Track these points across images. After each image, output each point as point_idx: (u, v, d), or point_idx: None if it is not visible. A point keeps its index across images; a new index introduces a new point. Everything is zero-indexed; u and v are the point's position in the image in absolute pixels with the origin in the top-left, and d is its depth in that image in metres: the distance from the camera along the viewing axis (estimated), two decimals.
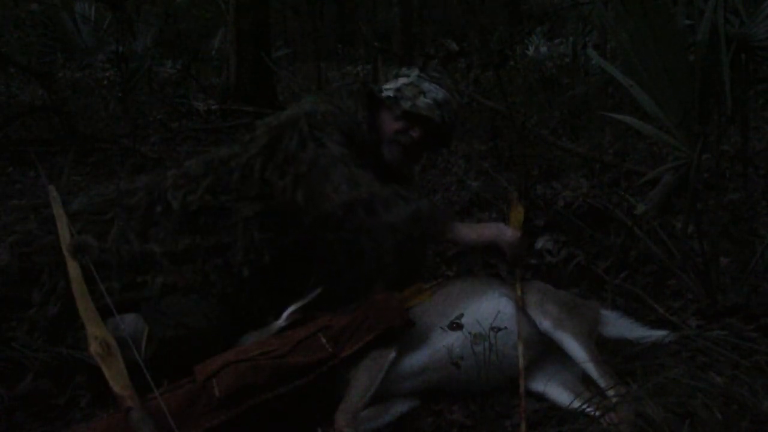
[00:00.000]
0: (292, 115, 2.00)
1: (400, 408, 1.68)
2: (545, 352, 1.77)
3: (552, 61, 6.91)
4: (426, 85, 2.05)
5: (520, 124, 3.46)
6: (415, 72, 2.10)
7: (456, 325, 1.67)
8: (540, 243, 2.76)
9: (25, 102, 6.15)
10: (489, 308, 1.76)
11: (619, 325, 1.87)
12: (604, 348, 1.78)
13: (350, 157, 1.90)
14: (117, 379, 1.57)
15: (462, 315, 1.71)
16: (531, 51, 7.37)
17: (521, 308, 1.77)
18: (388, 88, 2.08)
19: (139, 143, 4.86)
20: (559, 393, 1.68)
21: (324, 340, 1.68)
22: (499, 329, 1.63)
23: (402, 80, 2.08)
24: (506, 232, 1.88)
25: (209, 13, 9.32)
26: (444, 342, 1.71)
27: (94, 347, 1.66)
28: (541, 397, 1.71)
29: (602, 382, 1.57)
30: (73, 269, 1.87)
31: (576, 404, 1.56)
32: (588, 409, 1.50)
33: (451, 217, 1.89)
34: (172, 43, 7.41)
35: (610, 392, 1.52)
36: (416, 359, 1.72)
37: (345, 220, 1.82)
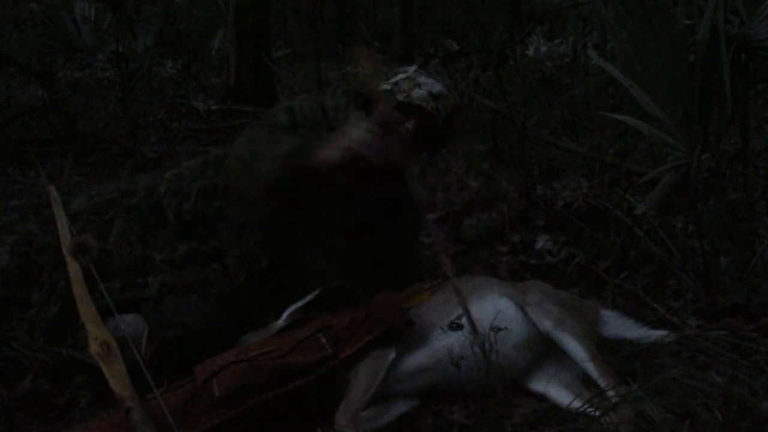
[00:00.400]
0: (271, 109, 2.04)
1: (400, 408, 1.68)
2: (545, 352, 1.77)
3: (552, 61, 6.91)
4: (422, 79, 2.04)
5: (520, 124, 3.45)
6: (413, 68, 2.11)
7: (456, 325, 1.67)
8: (540, 243, 2.76)
9: (25, 102, 6.15)
10: (489, 308, 1.76)
11: (619, 325, 1.87)
12: (604, 348, 1.78)
13: (281, 132, 1.91)
14: (117, 380, 1.57)
15: (462, 315, 1.71)
16: (531, 51, 7.37)
17: (448, 266, 1.52)
18: (386, 83, 2.08)
19: (139, 143, 4.86)
20: (559, 393, 1.67)
21: (324, 340, 1.68)
22: (499, 329, 1.63)
23: (400, 76, 2.08)
24: (356, 127, 1.65)
25: (209, 13, 9.31)
26: (444, 342, 1.71)
27: (94, 348, 1.66)
28: (541, 397, 1.71)
29: (602, 382, 1.57)
30: (73, 269, 1.87)
31: (576, 404, 1.56)
32: (588, 409, 1.50)
33: (324, 139, 1.79)
34: (172, 43, 7.40)
35: (610, 392, 1.52)
36: (416, 359, 1.72)
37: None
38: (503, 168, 3.92)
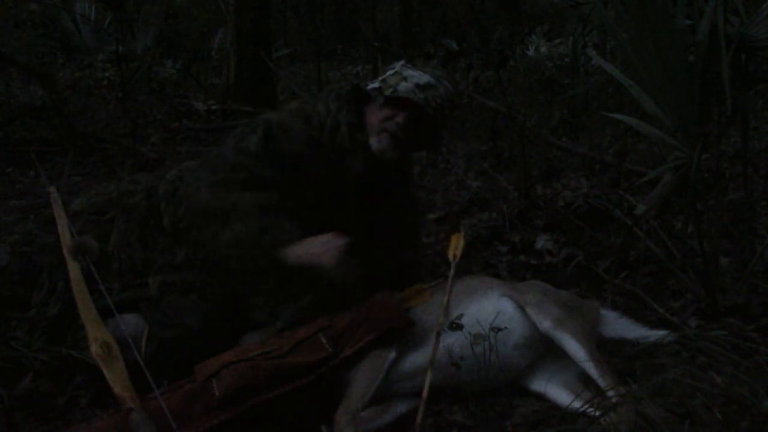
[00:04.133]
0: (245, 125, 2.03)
1: (400, 408, 1.68)
2: (545, 352, 1.77)
3: (552, 61, 6.90)
4: (409, 72, 2.00)
5: (520, 124, 3.46)
6: (400, 63, 2.09)
7: (456, 325, 1.67)
8: (540, 243, 2.76)
9: (25, 102, 6.15)
10: (489, 308, 1.76)
11: (619, 325, 1.88)
12: (604, 348, 1.78)
13: (246, 165, 1.88)
14: (117, 380, 1.57)
15: (462, 315, 1.71)
16: (531, 51, 7.37)
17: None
18: (375, 81, 2.07)
19: (139, 143, 4.86)
20: (559, 393, 1.68)
21: (324, 340, 1.68)
22: (499, 329, 1.63)
23: (388, 72, 2.06)
24: (328, 249, 1.73)
25: (209, 13, 9.32)
26: (444, 342, 1.71)
27: (94, 348, 1.66)
28: (541, 397, 1.71)
29: (602, 382, 1.57)
30: (73, 270, 1.88)
31: (576, 404, 1.56)
32: (588, 409, 1.50)
33: (293, 237, 1.80)
34: (172, 43, 7.42)
35: (610, 392, 1.52)
36: (416, 359, 1.72)
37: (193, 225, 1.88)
38: (503, 168, 3.93)
